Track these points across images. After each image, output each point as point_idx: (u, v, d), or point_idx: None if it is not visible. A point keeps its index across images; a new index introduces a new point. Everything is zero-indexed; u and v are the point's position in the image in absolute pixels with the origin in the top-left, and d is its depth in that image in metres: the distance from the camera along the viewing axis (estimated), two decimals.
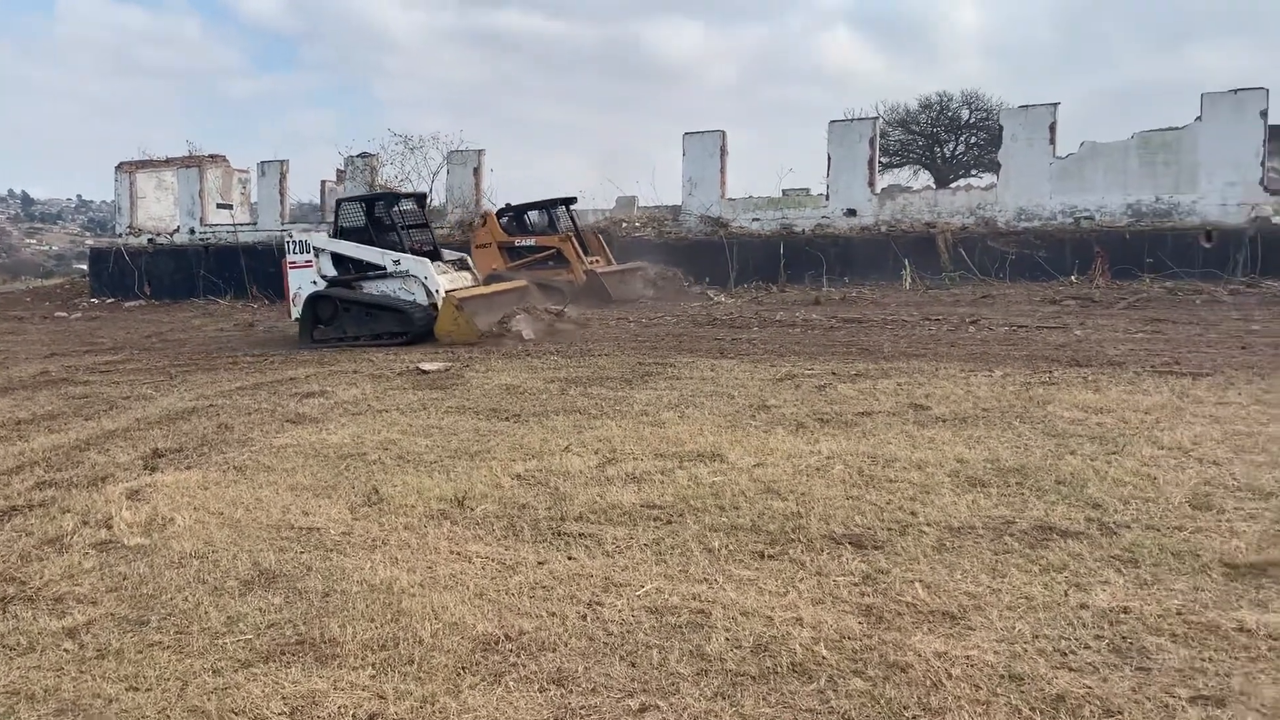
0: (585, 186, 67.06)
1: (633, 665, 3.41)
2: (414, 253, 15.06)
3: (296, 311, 15.29)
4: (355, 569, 4.49)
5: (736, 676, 3.29)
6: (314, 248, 15.21)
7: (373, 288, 14.86)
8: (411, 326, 14.18)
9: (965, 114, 42.86)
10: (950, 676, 3.21)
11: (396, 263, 14.64)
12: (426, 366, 10.98)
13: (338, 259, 15.12)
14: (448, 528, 5.10)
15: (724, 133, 24.66)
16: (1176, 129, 20.69)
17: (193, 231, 30.29)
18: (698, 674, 3.33)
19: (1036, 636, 3.50)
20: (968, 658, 3.35)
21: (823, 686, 3.20)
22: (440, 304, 14.13)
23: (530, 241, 20.46)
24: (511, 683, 3.34)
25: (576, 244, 19.91)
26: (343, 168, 29.14)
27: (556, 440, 6.98)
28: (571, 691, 3.28)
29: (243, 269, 27.86)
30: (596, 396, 8.75)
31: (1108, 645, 3.42)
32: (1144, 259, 19.61)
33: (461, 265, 16.02)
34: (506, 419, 7.90)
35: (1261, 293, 16.83)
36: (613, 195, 29.26)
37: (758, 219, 24.19)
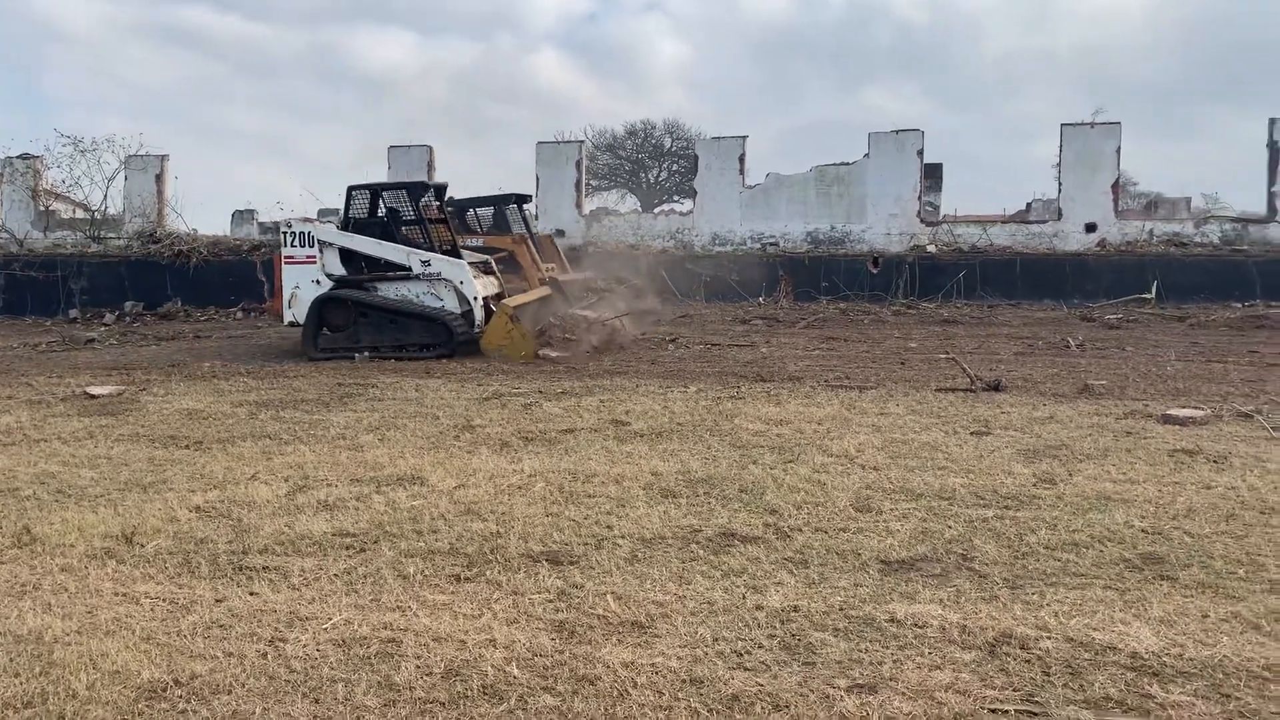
0: (285, 199, 63.83)
1: (316, 702, 3.26)
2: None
3: (294, 314, 13.10)
4: None
5: (425, 704, 3.22)
6: (319, 241, 13.05)
7: (390, 290, 13.00)
8: (450, 339, 12.57)
9: (668, 142, 45.02)
10: (636, 685, 3.32)
11: (426, 263, 12.85)
12: (95, 390, 9.99)
13: (347, 255, 13.12)
14: (113, 567, 4.66)
15: (431, 148, 24.42)
16: (848, 164, 22.81)
17: None
18: (385, 705, 3.23)
19: (716, 640, 3.68)
20: (653, 665, 3.47)
21: (513, 706, 3.20)
22: (480, 312, 12.64)
23: (477, 242, 17.90)
24: None
25: (532, 247, 17.65)
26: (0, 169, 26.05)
27: (242, 468, 6.56)
28: None
29: None
30: (289, 420, 8.33)
31: (779, 643, 3.66)
32: (821, 282, 21.43)
33: (486, 268, 14.08)
34: (186, 447, 7.33)
35: (919, 313, 18.85)
36: (314, 208, 28.05)
37: None
